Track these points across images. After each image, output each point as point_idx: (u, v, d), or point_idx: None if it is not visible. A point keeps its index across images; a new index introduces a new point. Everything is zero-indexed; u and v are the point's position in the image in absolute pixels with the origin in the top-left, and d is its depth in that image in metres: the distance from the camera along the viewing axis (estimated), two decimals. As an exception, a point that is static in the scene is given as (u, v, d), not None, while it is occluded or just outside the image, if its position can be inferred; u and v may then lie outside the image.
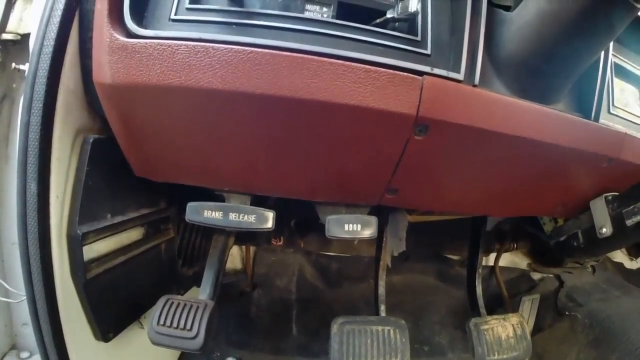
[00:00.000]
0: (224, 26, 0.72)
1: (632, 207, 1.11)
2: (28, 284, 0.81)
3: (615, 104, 1.05)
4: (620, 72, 1.10)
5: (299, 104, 0.70)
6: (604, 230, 1.17)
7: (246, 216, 0.89)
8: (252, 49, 0.68)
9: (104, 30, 0.71)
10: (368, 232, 0.94)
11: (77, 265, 0.89)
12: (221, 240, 1.17)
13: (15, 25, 1.30)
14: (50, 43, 0.76)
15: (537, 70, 0.83)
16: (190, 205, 0.89)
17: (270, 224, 0.89)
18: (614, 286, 2.59)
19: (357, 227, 0.93)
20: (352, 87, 0.68)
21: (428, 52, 0.76)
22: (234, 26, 0.72)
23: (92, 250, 0.93)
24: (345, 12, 0.78)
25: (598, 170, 1.05)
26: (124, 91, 0.72)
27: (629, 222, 1.11)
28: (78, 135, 0.89)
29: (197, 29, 0.72)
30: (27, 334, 1.43)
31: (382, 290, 1.32)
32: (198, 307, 1.01)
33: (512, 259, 2.24)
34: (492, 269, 2.06)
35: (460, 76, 0.77)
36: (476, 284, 1.49)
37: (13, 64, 1.25)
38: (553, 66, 0.83)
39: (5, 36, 1.30)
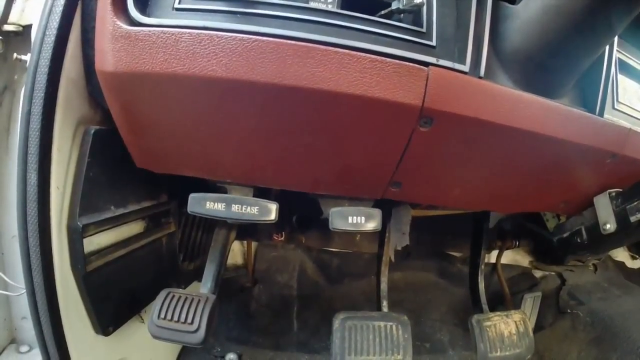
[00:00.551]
0: (228, 15, 0.71)
1: (635, 203, 1.10)
2: (27, 276, 0.80)
3: (620, 99, 1.05)
4: (625, 68, 1.09)
5: (303, 93, 0.69)
6: (608, 226, 1.16)
7: (249, 208, 0.88)
8: (257, 37, 0.68)
9: (107, 18, 0.70)
10: (372, 225, 0.93)
11: (77, 258, 0.89)
12: (222, 234, 1.17)
13: (17, 16, 1.29)
14: (52, 32, 0.76)
15: (541, 64, 0.83)
16: (193, 196, 0.88)
17: (273, 216, 0.88)
18: (615, 285, 2.59)
19: (360, 220, 0.92)
20: (358, 77, 0.68)
21: (433, 43, 0.75)
22: (238, 15, 0.71)
23: (93, 242, 0.92)
24: (350, 3, 0.77)
25: (602, 166, 1.05)
26: (127, 80, 0.72)
27: (632, 219, 1.10)
28: (79, 126, 0.88)
29: (201, 17, 0.71)
30: (27, 327, 1.43)
31: (384, 285, 1.31)
32: (199, 300, 1.00)
33: (514, 257, 2.24)
34: (494, 266, 2.06)
35: (465, 68, 0.76)
36: (479, 280, 1.49)
37: (15, 54, 1.24)
38: (557, 60, 0.82)
39: (6, 27, 1.29)
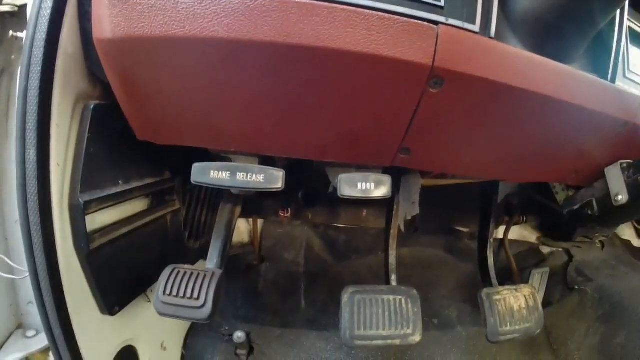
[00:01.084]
0: (229, -28, 0.68)
1: (648, 174, 1.09)
2: (30, 256, 0.79)
3: (631, 68, 1.03)
4: (636, 38, 1.07)
5: (309, 53, 0.66)
6: (620, 197, 1.14)
7: (254, 176, 0.85)
8: (261, -6, 0.65)
9: (103, -16, 0.68)
10: (381, 192, 0.90)
11: (80, 236, 0.87)
12: (228, 208, 1.16)
13: (13, -5, 1.27)
14: (48, 5, 0.74)
15: (551, 26, 0.81)
16: (196, 166, 0.86)
17: (280, 183, 0.86)
18: (623, 263, 2.58)
19: (370, 186, 0.89)
20: (365, 35, 0.65)
21: (442, 3, 0.73)
22: (240, -28, 0.68)
23: (95, 220, 0.91)
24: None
25: (614, 135, 1.03)
26: (126, 46, 0.69)
27: (645, 190, 1.09)
28: (78, 102, 0.86)
29: (202, -24, 0.68)
30: (33, 312, 1.42)
31: (392, 259, 1.30)
32: (205, 275, 1.00)
33: (521, 233, 2.23)
34: (501, 242, 2.05)
35: (476, 28, 0.74)
36: (488, 254, 1.47)
37: (10, 32, 1.22)
38: (567, 23, 0.80)
39: (2, 8, 1.27)
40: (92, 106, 0.87)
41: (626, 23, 1.01)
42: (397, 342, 1.11)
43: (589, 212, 1.27)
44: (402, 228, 1.26)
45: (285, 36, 0.65)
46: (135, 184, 1.02)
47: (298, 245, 1.91)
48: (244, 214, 1.73)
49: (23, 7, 1.28)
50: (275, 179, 0.85)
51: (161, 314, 0.94)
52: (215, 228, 1.13)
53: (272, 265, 1.87)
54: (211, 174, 0.86)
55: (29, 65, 0.74)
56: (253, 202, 1.66)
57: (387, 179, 0.91)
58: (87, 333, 0.92)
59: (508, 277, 2.05)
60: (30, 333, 1.39)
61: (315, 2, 0.65)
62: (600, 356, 1.97)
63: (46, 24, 0.74)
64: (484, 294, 1.27)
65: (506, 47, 0.77)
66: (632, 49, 1.05)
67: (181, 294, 0.96)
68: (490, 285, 1.40)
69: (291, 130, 0.84)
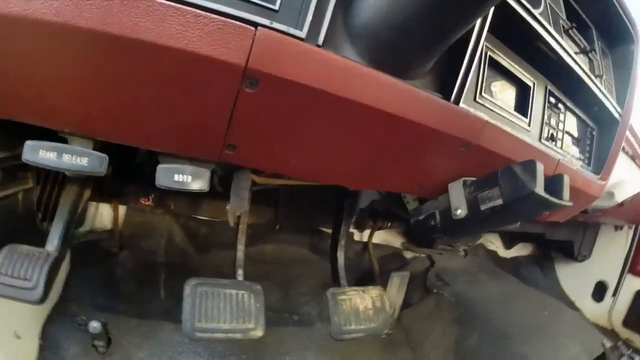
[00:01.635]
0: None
1: (486, 192, 1.18)
2: None
3: (483, 93, 1.10)
4: (495, 66, 1.15)
5: (127, 44, 0.66)
6: (459, 211, 1.23)
7: (79, 158, 0.84)
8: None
9: None
10: (198, 185, 0.92)
11: None
12: (74, 190, 1.11)
13: None
14: None
15: (388, 43, 0.84)
16: (28, 143, 0.82)
17: (102, 168, 0.85)
18: (483, 271, 2.81)
19: (187, 179, 0.91)
20: (180, 30, 0.66)
21: (276, 7, 0.75)
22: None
23: None
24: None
25: (455, 153, 1.10)
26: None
27: (482, 207, 1.18)
28: None
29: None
30: None
31: (240, 254, 1.32)
32: (40, 257, 0.96)
33: (387, 238, 2.35)
34: (366, 245, 2.14)
35: (302, 34, 0.76)
36: (338, 255, 1.54)
37: None
38: (403, 42, 0.84)
39: None
40: None
41: (484, 50, 1.08)
42: (239, 336, 1.13)
43: (432, 223, 1.36)
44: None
45: (104, 25, 0.64)
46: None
47: (159, 234, 1.88)
48: (104, 199, 1.67)
49: None
50: (98, 163, 0.84)
51: (-8, 293, 0.89)
52: (58, 209, 1.08)
53: (131, 253, 1.82)
54: (40, 153, 0.82)
55: None
56: (114, 187, 1.60)
57: (205, 173, 0.92)
58: None
59: (372, 279, 2.15)
60: None
61: (136, -6, 0.64)
62: (454, 356, 2.13)
63: None
64: (330, 293, 1.33)
65: (328, 55, 0.79)
66: (489, 76, 1.13)
67: (15, 274, 0.93)
68: (339, 285, 1.46)
69: (116, 117, 0.82)
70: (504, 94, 1.22)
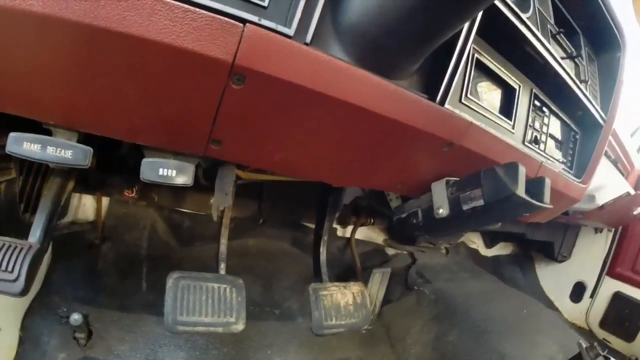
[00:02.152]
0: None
1: (468, 192, 1.19)
2: None
3: (469, 95, 1.12)
4: (482, 69, 1.17)
5: (114, 37, 0.66)
6: (441, 211, 1.25)
7: (63, 151, 0.83)
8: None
9: None
10: (182, 179, 0.92)
11: None
12: (57, 182, 1.10)
13: None
14: None
15: (375, 43, 0.85)
16: (12, 135, 0.82)
17: (87, 161, 0.84)
18: (464, 269, 2.85)
19: (171, 173, 0.91)
20: (168, 25, 0.66)
21: (265, 4, 0.75)
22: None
23: None
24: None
25: (438, 153, 1.11)
26: None
27: (464, 207, 1.19)
28: None
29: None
30: None
31: (223, 248, 1.32)
32: (22, 248, 0.95)
33: (369, 234, 2.37)
34: (348, 240, 2.16)
35: (290, 32, 0.76)
36: (320, 250, 1.55)
37: None
38: (391, 41, 0.84)
39: None
40: None
41: (471, 52, 1.09)
42: (220, 329, 1.13)
43: (415, 221, 1.38)
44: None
45: (92, 18, 0.63)
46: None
47: (142, 226, 1.87)
48: (88, 190, 1.66)
49: None
50: (82, 156, 0.84)
51: (-28, 286, 0.88)
52: (41, 201, 1.07)
53: (113, 245, 1.81)
54: (24, 145, 0.82)
55: None
56: (97, 179, 1.59)
57: (189, 168, 0.93)
58: None
59: (353, 275, 2.16)
60: None
61: (124, -12, 0.64)
62: (434, 352, 2.16)
63: None
64: (312, 288, 1.34)
65: (315, 53, 0.80)
66: (476, 78, 1.15)
67: (-5, 266, 0.91)
68: (321, 280, 1.47)
69: (101, 110, 0.81)
70: (489, 95, 1.23)
